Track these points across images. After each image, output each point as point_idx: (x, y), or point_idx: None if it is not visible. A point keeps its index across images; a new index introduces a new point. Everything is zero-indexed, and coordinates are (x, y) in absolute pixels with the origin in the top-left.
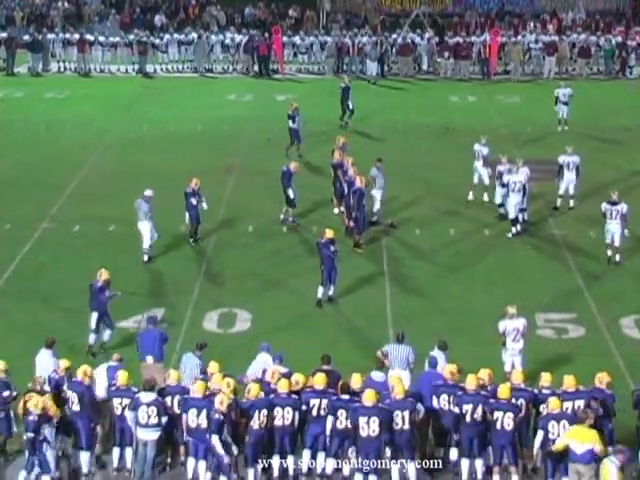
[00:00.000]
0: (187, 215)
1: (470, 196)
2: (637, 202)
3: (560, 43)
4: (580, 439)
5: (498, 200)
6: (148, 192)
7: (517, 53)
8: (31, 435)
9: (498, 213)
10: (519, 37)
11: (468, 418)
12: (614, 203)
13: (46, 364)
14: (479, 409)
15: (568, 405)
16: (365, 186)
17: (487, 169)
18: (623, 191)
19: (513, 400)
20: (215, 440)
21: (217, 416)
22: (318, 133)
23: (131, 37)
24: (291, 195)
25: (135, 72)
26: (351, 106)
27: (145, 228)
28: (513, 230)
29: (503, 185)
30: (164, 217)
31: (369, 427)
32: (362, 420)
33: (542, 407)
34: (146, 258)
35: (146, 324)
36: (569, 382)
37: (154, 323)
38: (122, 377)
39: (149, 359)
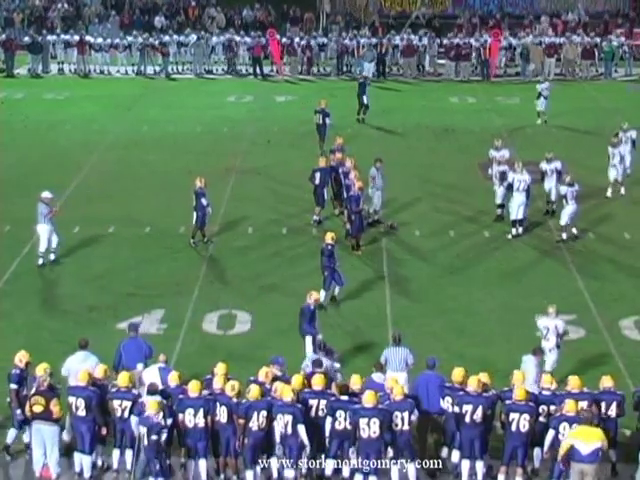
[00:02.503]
0: (194, 215)
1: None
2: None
3: (568, 45)
4: (586, 439)
5: (498, 201)
6: (45, 194)
7: (539, 54)
8: (155, 438)
9: (495, 214)
10: (531, 37)
11: (468, 419)
12: (571, 184)
13: (78, 366)
14: (479, 410)
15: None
16: (360, 190)
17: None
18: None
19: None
20: (302, 430)
21: (299, 406)
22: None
23: (130, 38)
24: (344, 194)
25: (164, 74)
26: (365, 101)
27: (42, 230)
28: (513, 231)
29: (509, 186)
30: (164, 217)
31: (370, 428)
32: (362, 421)
33: (542, 408)
34: (40, 262)
35: (128, 332)
36: (574, 383)
37: (136, 330)
38: (122, 379)
39: (140, 366)
